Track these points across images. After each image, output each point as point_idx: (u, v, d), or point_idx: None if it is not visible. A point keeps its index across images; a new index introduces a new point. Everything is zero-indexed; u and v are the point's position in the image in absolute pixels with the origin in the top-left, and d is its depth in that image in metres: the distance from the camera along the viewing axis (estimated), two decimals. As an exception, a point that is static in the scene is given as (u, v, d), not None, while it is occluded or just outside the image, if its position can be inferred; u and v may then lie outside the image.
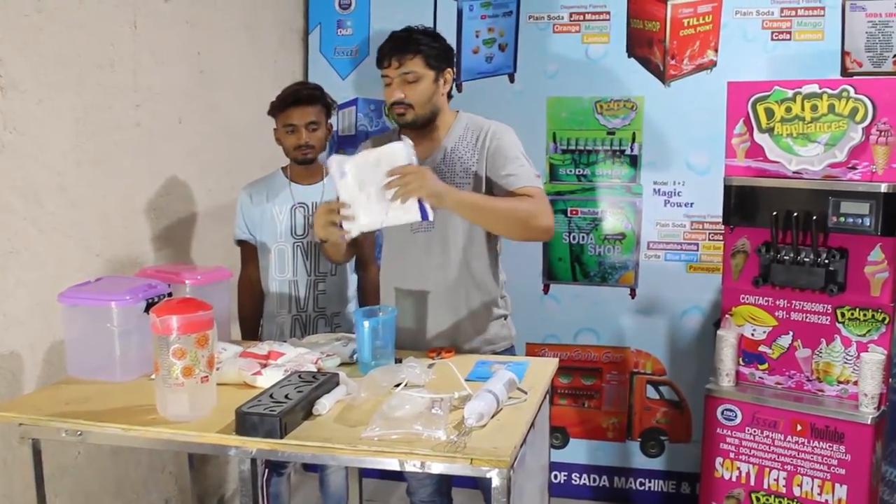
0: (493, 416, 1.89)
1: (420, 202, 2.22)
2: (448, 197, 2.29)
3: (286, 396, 1.91)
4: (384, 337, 2.26)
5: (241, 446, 1.84)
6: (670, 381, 3.68)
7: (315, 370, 2.17)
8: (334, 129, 3.77)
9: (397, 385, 2.04)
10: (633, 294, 3.66)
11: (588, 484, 3.81)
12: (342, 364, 2.32)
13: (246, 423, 1.82)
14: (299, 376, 2.05)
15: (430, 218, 2.26)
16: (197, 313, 1.90)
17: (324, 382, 2.02)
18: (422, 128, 2.54)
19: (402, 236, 2.55)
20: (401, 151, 2.25)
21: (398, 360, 2.22)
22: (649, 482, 3.74)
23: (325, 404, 1.94)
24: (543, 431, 2.29)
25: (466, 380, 2.14)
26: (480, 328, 2.61)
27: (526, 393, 2.05)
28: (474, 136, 2.59)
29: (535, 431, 2.08)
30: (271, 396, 1.91)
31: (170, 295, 2.32)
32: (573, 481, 3.79)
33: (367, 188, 2.24)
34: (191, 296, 2.39)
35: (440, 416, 1.85)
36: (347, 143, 3.88)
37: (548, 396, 2.29)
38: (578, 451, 3.77)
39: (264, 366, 2.19)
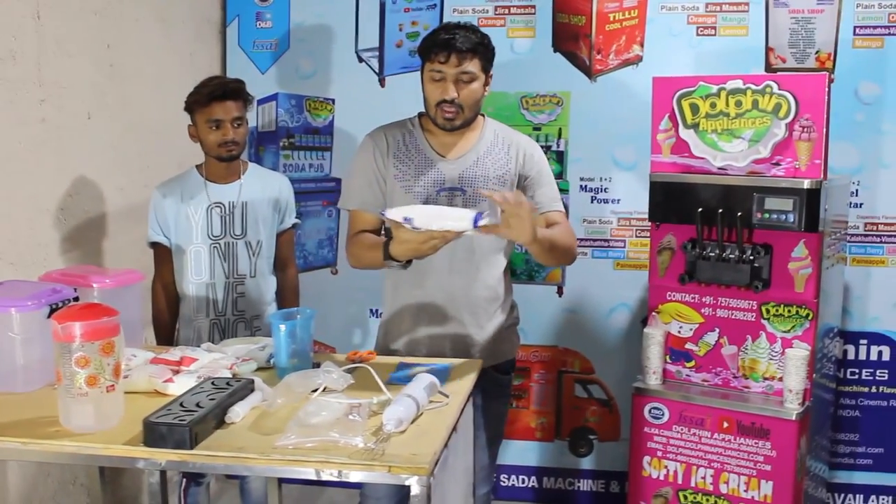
0: (413, 422, 1.86)
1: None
2: (537, 236, 2.28)
3: (197, 405, 1.85)
4: (302, 340, 2.21)
5: (150, 458, 1.78)
6: (598, 379, 3.70)
7: (230, 376, 2.12)
8: (253, 124, 3.73)
9: (315, 390, 2.00)
10: (560, 292, 3.67)
11: (517, 485, 3.81)
12: (259, 369, 2.26)
13: (154, 433, 1.76)
14: (212, 383, 2.00)
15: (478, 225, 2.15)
16: (101, 319, 1.83)
17: (238, 389, 1.97)
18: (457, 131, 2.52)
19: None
20: (469, 221, 2.14)
21: (316, 365, 2.18)
22: (578, 482, 3.76)
23: (238, 412, 1.89)
24: (468, 435, 2.27)
25: (387, 383, 2.11)
26: (499, 336, 2.62)
27: (447, 396, 2.03)
28: (506, 145, 2.60)
29: (458, 435, 2.06)
30: (181, 405, 1.85)
31: (76, 300, 2.24)
32: (502, 482, 3.79)
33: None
34: (99, 300, 2.32)
35: (358, 422, 1.81)
36: (267, 140, 3.81)
37: (471, 399, 2.27)
38: (507, 452, 3.76)
39: (176, 372, 2.13)
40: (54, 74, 2.81)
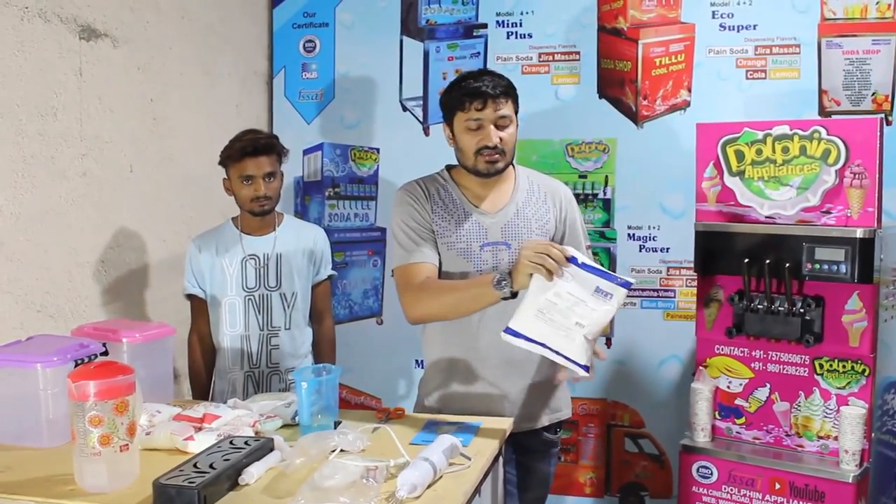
0: (430, 486, 1.80)
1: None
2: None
3: (211, 465, 1.82)
4: (327, 397, 2.17)
5: (160, 521, 1.75)
6: (649, 433, 3.59)
7: (251, 434, 2.09)
8: (298, 174, 3.75)
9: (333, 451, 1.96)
10: (608, 343, 3.57)
11: (567, 542, 3.70)
12: (285, 426, 2.23)
13: (163, 495, 1.73)
14: (231, 442, 1.97)
15: (588, 373, 2.09)
16: (116, 378, 1.82)
17: (255, 449, 1.93)
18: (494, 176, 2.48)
19: None
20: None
21: (337, 423, 2.14)
22: (630, 540, 3.63)
23: (252, 473, 1.85)
24: (496, 497, 2.19)
25: (412, 443, 2.07)
26: (551, 394, 2.57)
27: (470, 459, 1.97)
28: (542, 193, 2.56)
29: (482, 500, 1.99)
30: (195, 466, 1.83)
31: (104, 354, 2.24)
32: (551, 539, 3.68)
33: (568, 304, 2.06)
34: (128, 355, 2.33)
35: (373, 486, 1.76)
36: (313, 190, 3.82)
37: (501, 459, 2.21)
38: (555, 507, 3.67)
39: (198, 430, 2.11)
40: (96, 129, 2.86)
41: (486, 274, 2.30)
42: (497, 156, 2.40)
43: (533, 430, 2.54)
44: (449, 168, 2.57)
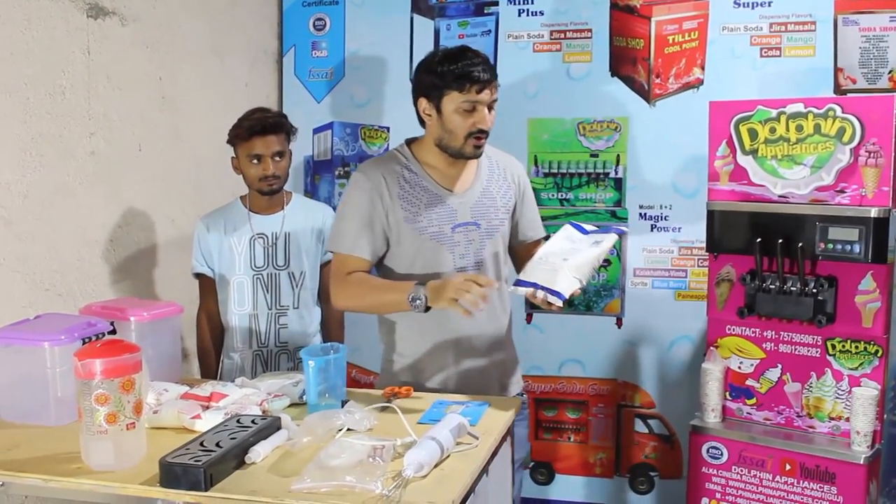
0: (437, 465, 1.79)
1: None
2: None
3: (217, 444, 1.82)
4: (334, 376, 2.17)
5: (166, 499, 1.75)
6: (660, 414, 3.57)
7: (259, 413, 2.09)
8: (308, 153, 3.73)
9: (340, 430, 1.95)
10: (619, 323, 3.56)
11: (577, 522, 3.70)
12: (293, 405, 2.23)
13: (170, 474, 1.73)
14: (238, 421, 1.97)
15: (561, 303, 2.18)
16: (122, 356, 1.82)
17: (262, 428, 1.93)
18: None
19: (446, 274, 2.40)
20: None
21: (344, 402, 2.13)
22: (639, 520, 3.63)
23: (259, 452, 1.85)
24: (503, 477, 2.18)
25: (419, 423, 2.06)
26: (515, 367, 2.63)
27: (477, 438, 1.95)
28: (502, 170, 2.56)
29: (490, 479, 1.98)
30: (202, 444, 1.83)
31: (112, 333, 2.24)
32: (560, 519, 3.69)
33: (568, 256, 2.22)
34: (136, 333, 2.33)
35: (379, 465, 1.76)
36: (323, 169, 3.81)
37: (509, 439, 2.20)
38: (565, 487, 3.66)
39: (206, 408, 2.11)
40: (104, 108, 2.84)
41: (405, 284, 2.31)
42: (484, 139, 2.41)
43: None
44: (410, 145, 2.52)
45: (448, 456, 1.84)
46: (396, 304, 2.32)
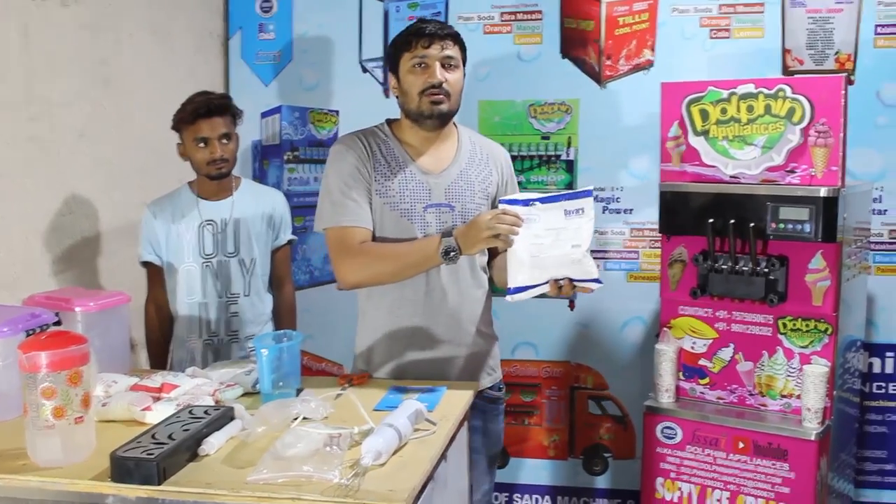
0: (395, 453, 1.77)
1: None
2: None
3: (170, 436, 1.78)
4: (288, 364, 2.13)
5: (118, 494, 1.69)
6: (612, 395, 3.59)
7: (211, 404, 2.04)
8: (256, 137, 3.67)
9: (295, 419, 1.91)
10: (571, 305, 3.56)
11: (531, 504, 3.72)
12: (245, 395, 2.18)
13: (121, 468, 1.68)
14: (190, 412, 1.92)
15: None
16: (68, 348, 1.76)
17: (216, 418, 1.89)
18: (438, 130, 2.41)
19: None
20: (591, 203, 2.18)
21: (299, 391, 2.09)
22: (593, 501, 3.65)
23: (213, 443, 1.80)
24: (461, 463, 2.17)
25: (376, 409, 2.04)
26: (488, 354, 2.57)
27: (435, 424, 1.93)
28: (484, 155, 2.51)
29: (448, 465, 1.96)
30: (153, 437, 1.78)
31: (57, 324, 2.18)
32: (514, 502, 3.69)
33: (552, 238, 2.15)
34: (82, 324, 2.26)
35: (336, 454, 1.72)
36: (271, 154, 3.74)
37: (466, 424, 2.18)
38: (519, 470, 3.66)
39: (157, 400, 2.06)
40: (44, 92, 2.75)
41: (428, 239, 2.28)
42: (442, 96, 2.33)
43: (478, 392, 2.52)
44: (389, 122, 2.50)
45: (406, 443, 1.82)
46: (424, 261, 2.26)
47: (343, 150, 2.40)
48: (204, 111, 2.74)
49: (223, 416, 1.91)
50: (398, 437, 1.78)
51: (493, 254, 2.53)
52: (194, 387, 2.13)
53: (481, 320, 2.51)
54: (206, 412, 1.92)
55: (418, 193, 2.39)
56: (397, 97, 2.43)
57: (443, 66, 2.33)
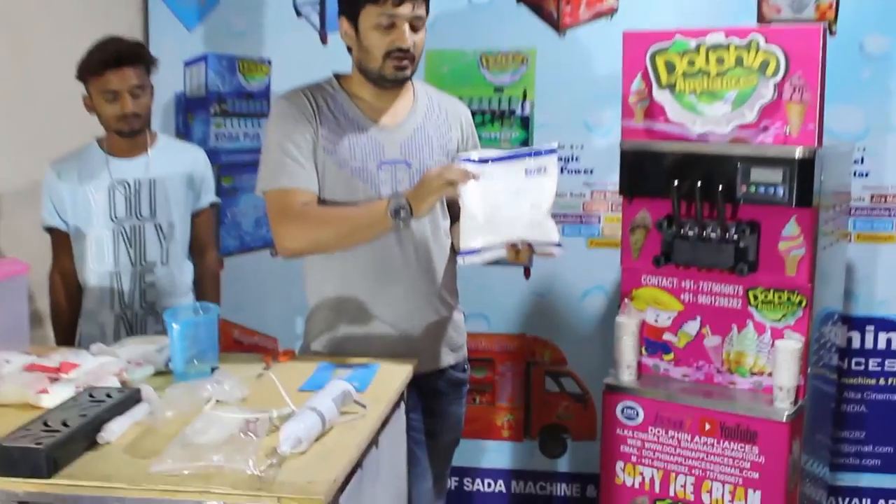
0: (318, 439, 1.71)
1: None
2: None
3: (64, 423, 1.70)
4: (204, 341, 2.07)
5: (3, 489, 1.62)
6: (572, 371, 3.58)
7: (117, 384, 1.97)
8: (180, 89, 3.57)
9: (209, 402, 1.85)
10: (527, 273, 3.53)
11: (483, 489, 3.70)
12: (156, 374, 2.12)
13: (6, 459, 1.60)
14: (90, 395, 1.85)
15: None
16: (-52, 323, 1.68)
17: (119, 402, 1.82)
18: (397, 90, 2.38)
19: None
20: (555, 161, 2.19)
21: (214, 370, 2.03)
22: (551, 486, 3.65)
23: (113, 430, 1.73)
24: (397, 448, 2.12)
25: (301, 390, 1.98)
26: (450, 329, 2.54)
27: (365, 406, 1.88)
28: (444, 111, 2.47)
29: (381, 451, 1.91)
30: (45, 424, 1.70)
31: (-57, 297, 2.09)
32: (465, 487, 3.68)
33: (509, 197, 2.14)
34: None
35: (252, 441, 1.66)
36: (197, 107, 3.64)
37: (402, 405, 2.13)
38: (470, 453, 3.61)
39: (54, 381, 1.98)
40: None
41: (375, 202, 2.24)
42: (406, 61, 2.29)
43: (439, 371, 2.50)
44: (337, 77, 2.43)
45: (331, 428, 1.77)
46: (372, 225, 2.21)
47: (285, 106, 2.34)
48: (112, 61, 2.66)
49: (128, 400, 1.84)
50: (321, 422, 1.72)
51: (454, 218, 2.47)
52: (98, 366, 2.06)
53: (444, 288, 2.47)
54: (108, 395, 1.85)
55: (371, 150, 2.33)
56: (349, 47, 2.36)
57: (411, 27, 2.27)
